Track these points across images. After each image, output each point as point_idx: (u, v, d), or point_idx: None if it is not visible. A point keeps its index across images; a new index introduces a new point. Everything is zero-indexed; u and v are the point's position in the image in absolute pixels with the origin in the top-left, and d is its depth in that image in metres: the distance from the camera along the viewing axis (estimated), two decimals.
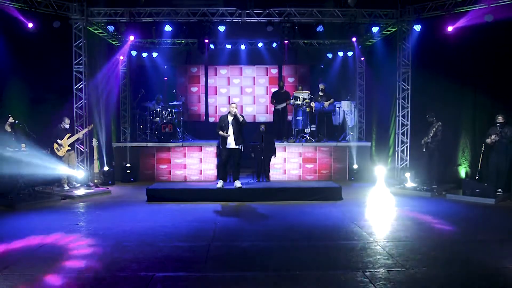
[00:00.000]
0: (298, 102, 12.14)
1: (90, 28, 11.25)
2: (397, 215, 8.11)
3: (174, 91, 13.85)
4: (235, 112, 9.36)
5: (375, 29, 11.23)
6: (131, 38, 12.05)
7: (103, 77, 12.28)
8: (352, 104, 13.15)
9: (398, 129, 11.44)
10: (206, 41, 11.55)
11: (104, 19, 11.06)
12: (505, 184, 9.30)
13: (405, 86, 11.27)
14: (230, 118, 9.39)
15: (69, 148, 10.28)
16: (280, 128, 12.78)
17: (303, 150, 12.18)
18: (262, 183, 10.59)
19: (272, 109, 13.36)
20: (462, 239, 6.57)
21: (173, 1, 12.04)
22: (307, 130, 12.46)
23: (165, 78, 14.47)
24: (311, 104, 12.16)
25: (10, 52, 9.86)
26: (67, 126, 10.32)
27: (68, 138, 10.22)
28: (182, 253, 5.92)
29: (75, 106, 10.86)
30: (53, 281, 4.93)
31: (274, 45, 12.69)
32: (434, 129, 10.06)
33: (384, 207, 8.83)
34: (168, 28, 10.95)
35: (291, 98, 12.50)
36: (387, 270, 5.22)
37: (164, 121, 12.40)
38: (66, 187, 10.21)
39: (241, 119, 9.34)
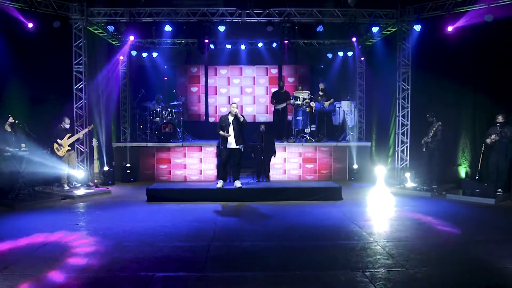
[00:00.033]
0: (298, 102, 12.14)
1: (90, 28, 11.25)
2: (397, 215, 8.11)
3: (174, 91, 13.85)
4: (235, 112, 9.36)
5: (375, 29, 11.23)
6: (131, 38, 12.06)
7: (103, 77, 12.28)
8: (352, 104, 13.15)
9: (398, 129, 11.44)
10: (206, 41, 11.55)
11: (104, 19, 11.06)
12: (505, 184, 9.30)
13: (405, 86, 11.27)
14: (230, 118, 9.39)
15: (69, 148, 10.28)
16: (280, 128, 12.78)
17: (303, 150, 12.19)
18: (262, 183, 10.59)
19: (272, 109, 13.36)
20: (462, 239, 6.57)
21: (173, 1, 12.04)
22: (307, 130, 12.46)
23: (165, 78, 14.48)
24: (311, 104, 12.15)
25: (10, 52, 9.86)
26: (67, 126, 10.32)
27: (68, 138, 10.22)
28: (182, 253, 5.92)
29: (75, 106, 10.86)
30: (53, 281, 4.93)
31: (274, 45, 12.69)
32: (434, 129, 10.06)
33: (384, 207, 8.83)
34: (168, 28, 10.95)
35: (291, 98, 12.50)
36: (387, 270, 5.22)
37: (164, 121, 12.40)
38: (66, 187, 10.21)
39: (241, 119, 9.34)
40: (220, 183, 9.54)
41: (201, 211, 8.44)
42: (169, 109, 12.70)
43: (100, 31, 11.70)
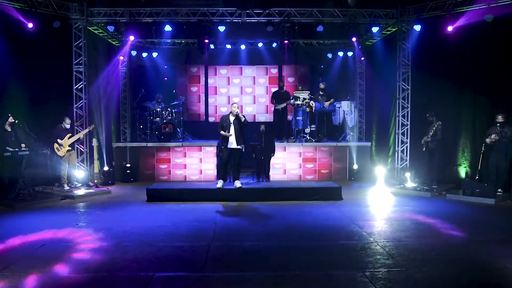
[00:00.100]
0: (298, 102, 12.13)
1: (90, 28, 11.26)
2: (397, 215, 8.10)
3: (174, 91, 13.85)
4: (237, 112, 9.37)
5: (375, 29, 11.23)
6: (131, 38, 12.06)
7: (103, 77, 12.28)
8: (352, 104, 13.15)
9: (398, 129, 11.44)
10: (206, 41, 11.56)
11: (104, 19, 11.06)
12: (505, 184, 9.30)
13: (405, 86, 11.27)
14: (231, 118, 9.40)
15: (70, 148, 10.29)
16: (280, 128, 12.79)
17: (303, 150, 12.18)
18: (262, 183, 10.59)
19: (272, 109, 13.36)
20: (462, 239, 6.57)
21: (173, 1, 12.05)
22: (307, 130, 12.45)
23: (165, 78, 14.48)
24: (311, 104, 12.15)
25: (10, 52, 9.86)
26: (68, 126, 10.33)
27: (68, 138, 10.22)
28: (182, 253, 5.92)
29: (75, 106, 10.86)
30: (53, 280, 4.93)
31: (274, 45, 12.69)
32: (434, 128, 10.07)
33: (384, 207, 8.83)
34: (168, 28, 10.95)
35: (291, 98, 12.50)
36: (387, 270, 5.22)
37: (164, 121, 12.40)
38: (66, 187, 10.21)
39: (243, 119, 9.35)
40: (220, 183, 9.54)
41: (201, 211, 8.44)
42: (169, 109, 12.69)
43: (100, 31, 11.70)
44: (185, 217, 7.93)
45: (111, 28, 11.23)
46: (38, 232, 6.82)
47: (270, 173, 11.49)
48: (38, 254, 5.84)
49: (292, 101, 12.32)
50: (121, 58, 13.25)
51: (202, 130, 14.12)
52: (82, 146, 10.92)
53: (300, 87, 13.69)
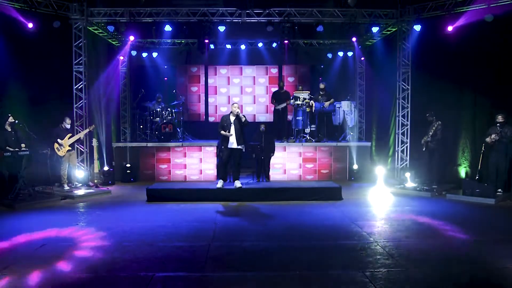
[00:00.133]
0: (298, 102, 12.13)
1: (90, 28, 11.26)
2: (397, 215, 8.10)
3: (174, 91, 13.85)
4: (237, 112, 9.37)
5: (375, 29, 11.23)
6: (131, 38, 12.07)
7: (103, 77, 12.28)
8: (352, 104, 13.14)
9: (398, 129, 11.45)
10: (206, 41, 11.56)
11: (104, 19, 11.06)
12: (505, 184, 9.30)
13: (405, 86, 11.27)
14: (232, 118, 9.40)
15: (70, 148, 10.29)
16: (280, 128, 12.79)
17: (303, 150, 12.18)
18: (262, 183, 10.59)
19: (272, 109, 13.36)
20: (462, 239, 6.56)
21: (173, 1, 12.05)
22: (307, 130, 12.45)
23: (165, 78, 14.49)
24: (311, 104, 12.15)
25: (10, 52, 9.87)
26: (68, 126, 10.33)
27: (68, 138, 10.23)
28: (182, 253, 5.93)
29: (75, 106, 10.87)
30: (53, 280, 4.93)
31: (274, 45, 12.69)
32: (434, 128, 10.07)
33: (384, 207, 8.83)
34: (168, 28, 10.95)
35: (291, 98, 12.50)
36: (387, 270, 5.22)
37: (164, 121, 12.40)
38: (66, 187, 10.21)
39: (243, 119, 9.36)
40: (220, 183, 9.54)
41: (201, 211, 8.44)
42: (169, 109, 12.69)
43: (100, 31, 11.70)
44: (185, 217, 7.93)
45: (111, 28, 11.23)
46: (38, 232, 6.83)
47: (270, 173, 11.49)
48: (38, 254, 5.84)
49: (292, 101, 12.32)
50: (121, 58, 13.25)
51: (202, 130, 14.12)
52: (82, 146, 10.92)
53: (300, 87, 13.69)
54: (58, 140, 10.07)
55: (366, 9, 11.03)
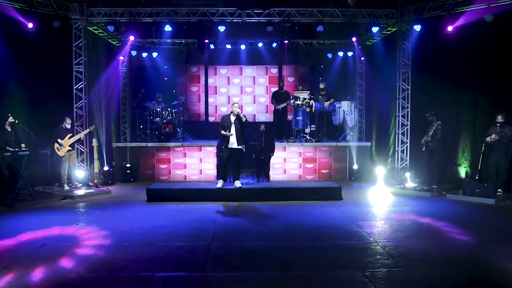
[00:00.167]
0: (298, 102, 12.13)
1: (90, 28, 11.26)
2: (397, 215, 8.10)
3: (174, 91, 13.85)
4: (238, 112, 9.37)
5: (375, 29, 11.23)
6: (131, 38, 12.07)
7: (103, 77, 12.28)
8: (352, 104, 13.14)
9: (398, 129, 11.45)
10: (206, 41, 11.56)
11: (104, 19, 11.06)
12: (505, 184, 9.30)
13: (405, 86, 11.27)
14: (232, 118, 9.41)
15: (70, 148, 10.29)
16: (280, 128, 12.79)
17: (303, 150, 12.18)
18: (262, 183, 10.59)
19: (272, 108, 13.36)
20: (462, 239, 6.56)
21: (173, 1, 12.05)
22: (307, 130, 12.45)
23: (165, 78, 14.48)
24: (311, 104, 12.15)
25: (10, 52, 9.87)
26: (68, 126, 10.34)
27: (69, 138, 10.22)
28: (182, 253, 5.93)
29: (75, 106, 10.87)
30: (53, 280, 4.94)
31: (274, 45, 12.69)
32: (434, 128, 10.07)
33: (384, 207, 8.83)
34: (168, 28, 10.95)
35: (291, 98, 12.50)
36: (387, 270, 5.22)
37: (164, 121, 12.40)
38: (66, 187, 10.22)
39: (244, 119, 9.36)
40: (220, 183, 9.54)
41: (201, 211, 8.44)
42: (169, 109, 12.69)
43: (100, 31, 11.70)
44: (185, 217, 7.93)
45: (111, 28, 11.23)
46: (38, 232, 6.83)
47: (270, 173, 11.49)
48: (38, 254, 5.84)
49: (292, 101, 12.31)
50: (121, 58, 13.25)
51: (202, 130, 14.12)
52: (82, 146, 10.92)
53: (300, 87, 13.69)
54: (58, 140, 10.07)
55: (366, 9, 11.03)
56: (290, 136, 12.66)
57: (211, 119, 14.90)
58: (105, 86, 12.35)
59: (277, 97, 12.83)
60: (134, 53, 13.67)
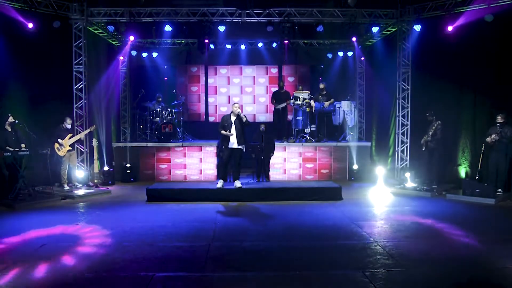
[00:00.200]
0: (298, 102, 12.13)
1: (90, 28, 11.26)
2: (397, 215, 8.10)
3: (174, 91, 13.85)
4: (238, 112, 9.37)
5: (375, 29, 11.23)
6: (131, 38, 12.07)
7: (103, 77, 12.28)
8: (352, 104, 13.15)
9: (398, 129, 11.45)
10: (206, 41, 11.56)
11: (104, 19, 11.06)
12: (505, 184, 9.30)
13: (405, 86, 11.27)
14: (233, 118, 9.41)
15: (70, 148, 10.29)
16: (280, 128, 12.79)
17: (303, 150, 12.18)
18: (262, 183, 10.59)
19: (272, 108, 13.36)
20: (462, 239, 6.56)
21: (173, 1, 12.05)
22: (307, 130, 12.45)
23: (165, 78, 14.48)
24: (311, 103, 12.16)
25: (10, 52, 9.87)
26: (69, 126, 10.34)
27: (69, 138, 10.22)
28: (182, 253, 5.93)
29: (75, 106, 10.87)
30: (53, 281, 4.94)
31: (274, 45, 12.69)
32: (434, 127, 10.07)
33: (384, 207, 8.82)
34: (168, 28, 10.95)
35: (291, 98, 12.49)
36: (387, 270, 5.22)
37: (164, 121, 12.40)
38: (66, 187, 10.22)
39: (244, 119, 9.36)
40: (220, 183, 9.54)
41: (201, 211, 8.44)
42: (169, 109, 12.69)
43: (100, 31, 11.70)
44: (185, 217, 7.93)
45: (111, 28, 11.23)
46: (38, 232, 6.83)
47: (270, 173, 11.50)
48: (38, 254, 5.84)
49: (292, 101, 12.31)
50: (121, 58, 13.25)
51: (202, 130, 14.12)
52: (82, 146, 10.92)
53: (300, 87, 13.69)
54: (59, 140, 10.07)
55: (366, 9, 11.03)
56: (290, 136, 12.66)
57: (211, 119, 14.90)
58: (105, 86, 12.35)
59: (277, 97, 12.83)
60: (134, 53, 13.67)
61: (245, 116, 9.47)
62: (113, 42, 12.98)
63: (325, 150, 12.24)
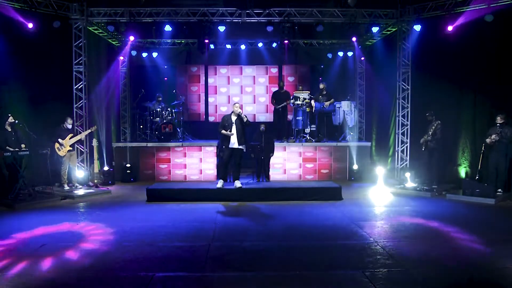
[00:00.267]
0: (298, 102, 12.13)
1: (90, 28, 11.26)
2: (397, 215, 8.10)
3: (174, 91, 13.85)
4: (239, 112, 9.37)
5: (375, 29, 11.23)
6: (131, 38, 12.08)
7: (103, 77, 12.28)
8: (352, 104, 13.15)
9: (398, 129, 11.45)
10: (206, 41, 11.57)
11: (104, 19, 11.06)
12: (505, 184, 9.30)
13: (405, 86, 11.27)
14: (233, 118, 9.40)
15: (70, 148, 10.29)
16: (280, 128, 12.79)
17: (303, 150, 12.18)
18: (262, 183, 10.59)
19: (272, 108, 13.36)
20: (462, 239, 6.56)
21: (173, 1, 12.05)
22: (307, 130, 12.45)
23: (165, 78, 14.49)
24: (311, 103, 12.16)
25: (10, 52, 9.87)
26: (70, 126, 10.33)
27: (70, 139, 10.22)
28: (182, 253, 5.93)
29: (75, 106, 10.87)
30: (53, 281, 4.94)
31: (274, 45, 12.68)
32: (434, 127, 10.07)
33: (384, 207, 8.82)
34: (168, 28, 10.95)
35: (291, 98, 12.49)
36: (387, 270, 5.22)
37: (164, 121, 12.40)
38: (66, 187, 10.22)
39: (245, 119, 9.36)
40: (220, 183, 9.54)
41: (201, 211, 8.44)
42: (169, 109, 12.70)
43: (100, 31, 11.70)
44: (185, 217, 7.93)
45: (111, 28, 11.21)
46: (37, 232, 6.83)
47: (270, 173, 11.50)
48: (38, 254, 5.84)
49: (292, 101, 12.31)
50: (121, 58, 13.25)
51: (202, 130, 14.12)
52: (82, 146, 10.92)
53: (300, 87, 13.69)
54: (59, 140, 10.06)
55: (366, 9, 11.03)
56: (290, 136, 12.66)
57: (211, 119, 14.90)
58: (105, 86, 12.35)
59: (277, 97, 12.83)
60: (134, 53, 13.67)
61: (246, 116, 9.47)
62: (113, 42, 12.98)
63: (325, 150, 12.24)
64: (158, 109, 12.58)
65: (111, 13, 10.93)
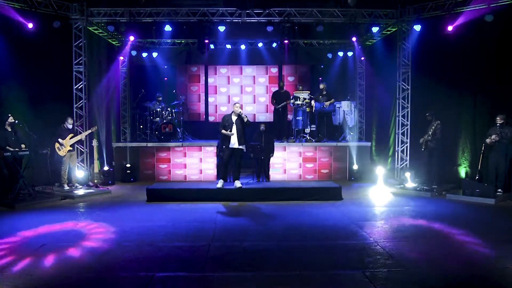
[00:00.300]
0: (298, 102, 12.12)
1: (90, 28, 11.26)
2: (397, 215, 8.10)
3: (174, 91, 13.85)
4: (239, 112, 9.36)
5: (375, 29, 11.23)
6: (131, 38, 12.07)
7: (103, 77, 12.29)
8: (352, 104, 13.15)
9: (398, 129, 11.45)
10: (206, 41, 11.56)
11: (104, 19, 11.06)
12: (505, 184, 9.30)
13: (405, 86, 11.27)
14: (234, 118, 9.40)
15: (71, 148, 10.28)
16: (280, 128, 12.79)
17: (303, 150, 12.18)
18: (262, 183, 10.59)
19: (272, 108, 13.36)
20: (462, 239, 6.56)
21: (173, 1, 12.04)
22: (307, 130, 12.45)
23: (165, 78, 14.49)
24: (311, 103, 12.16)
25: (10, 52, 9.87)
26: (70, 126, 10.33)
27: (70, 139, 10.22)
28: (182, 253, 5.93)
29: (75, 106, 10.87)
30: (53, 281, 4.94)
31: (274, 45, 12.67)
32: (433, 127, 10.08)
33: (384, 207, 8.83)
34: (168, 28, 10.95)
35: (291, 98, 12.49)
36: (387, 270, 5.22)
37: (164, 121, 12.40)
38: (66, 187, 10.22)
39: (245, 119, 9.36)
40: (220, 183, 9.54)
41: (201, 211, 8.44)
42: (169, 109, 12.70)
43: (100, 31, 11.70)
44: (185, 217, 7.93)
45: (111, 28, 11.21)
46: (38, 232, 6.84)
47: (270, 173, 11.50)
48: (38, 254, 5.84)
49: (292, 101, 12.31)
50: (121, 58, 13.25)
51: (202, 130, 14.13)
52: (82, 146, 10.92)
53: (300, 87, 13.68)
54: (59, 139, 10.07)
55: (366, 9, 11.03)
56: (290, 136, 12.66)
57: (211, 118, 14.90)
58: (105, 86, 12.35)
59: (277, 97, 12.83)
60: (134, 53, 13.66)
61: (246, 116, 9.47)
62: (113, 42, 12.98)
63: (325, 150, 12.24)
64: (158, 109, 12.58)
65: (111, 13, 10.93)
